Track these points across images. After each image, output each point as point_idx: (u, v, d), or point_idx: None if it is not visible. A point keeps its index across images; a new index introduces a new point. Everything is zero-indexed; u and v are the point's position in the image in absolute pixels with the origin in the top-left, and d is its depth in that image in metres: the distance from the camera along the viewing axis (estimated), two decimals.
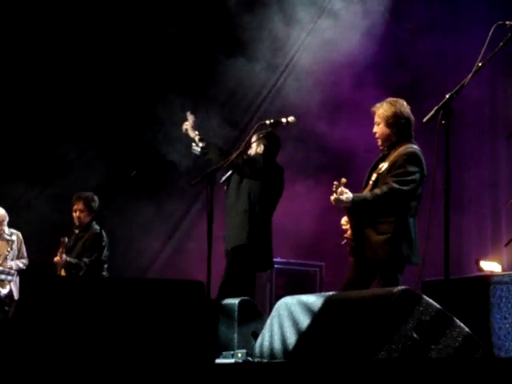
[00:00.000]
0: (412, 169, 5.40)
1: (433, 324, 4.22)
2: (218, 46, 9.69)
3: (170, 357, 4.38)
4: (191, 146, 6.77)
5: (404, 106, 5.55)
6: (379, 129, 5.56)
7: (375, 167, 5.58)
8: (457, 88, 4.55)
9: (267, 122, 5.87)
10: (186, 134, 6.80)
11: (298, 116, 6.18)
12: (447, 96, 4.55)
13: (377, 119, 5.57)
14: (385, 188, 5.35)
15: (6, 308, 8.14)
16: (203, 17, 9.70)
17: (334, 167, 9.23)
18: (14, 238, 8.39)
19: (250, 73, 9.64)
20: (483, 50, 4.50)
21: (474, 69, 4.54)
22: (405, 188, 5.35)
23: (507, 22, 4.58)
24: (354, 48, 9.17)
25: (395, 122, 5.49)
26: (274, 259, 9.04)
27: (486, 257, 8.85)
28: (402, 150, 5.46)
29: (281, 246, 9.60)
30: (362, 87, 9.26)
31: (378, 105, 5.60)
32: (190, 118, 6.77)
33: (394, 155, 5.47)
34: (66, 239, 7.74)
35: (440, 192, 4.55)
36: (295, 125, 6.06)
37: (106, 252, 7.78)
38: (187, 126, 6.76)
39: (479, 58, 4.52)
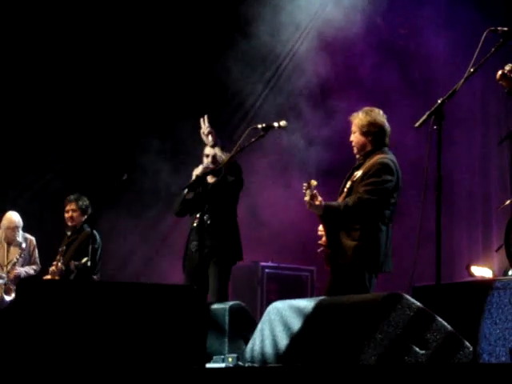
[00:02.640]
0: (384, 178, 5.48)
1: (417, 324, 4.25)
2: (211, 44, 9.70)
3: (159, 361, 4.36)
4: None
5: (380, 114, 5.66)
6: (355, 137, 5.69)
7: (350, 175, 5.68)
8: (449, 93, 4.55)
9: (259, 126, 5.83)
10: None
11: (297, 115, 6.15)
12: (439, 101, 4.55)
13: (353, 128, 5.71)
14: (355, 198, 5.43)
15: None
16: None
17: (334, 170, 9.18)
18: (25, 243, 8.39)
19: (248, 71, 9.61)
20: (475, 56, 4.50)
21: (466, 74, 4.54)
22: (374, 198, 5.42)
23: (499, 28, 4.59)
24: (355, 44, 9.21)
25: (370, 130, 5.61)
26: (266, 263, 8.98)
27: (477, 262, 8.84)
28: (376, 159, 5.56)
29: (272, 251, 9.61)
30: (364, 87, 9.27)
31: (354, 114, 5.73)
32: (206, 123, 6.40)
33: (367, 164, 5.56)
34: (65, 248, 7.71)
35: (431, 197, 4.55)
36: (288, 128, 6.05)
37: (99, 253, 7.75)
38: (208, 141, 6.40)
39: (471, 64, 4.52)
